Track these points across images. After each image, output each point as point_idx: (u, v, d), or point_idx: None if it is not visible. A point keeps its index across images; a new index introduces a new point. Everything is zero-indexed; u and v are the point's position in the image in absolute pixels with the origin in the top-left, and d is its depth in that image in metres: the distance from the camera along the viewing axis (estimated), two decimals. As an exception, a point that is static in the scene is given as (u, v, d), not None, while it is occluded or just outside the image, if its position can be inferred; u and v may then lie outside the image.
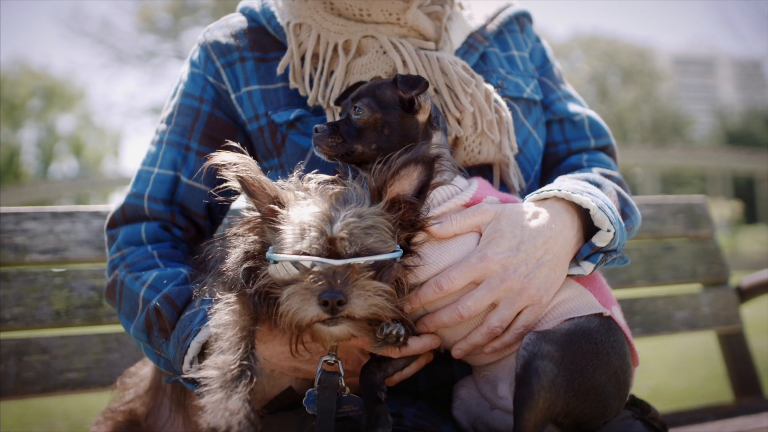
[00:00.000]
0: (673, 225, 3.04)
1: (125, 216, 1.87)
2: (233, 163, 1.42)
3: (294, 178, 1.47)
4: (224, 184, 1.45)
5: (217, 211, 1.92)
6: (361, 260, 1.33)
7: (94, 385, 2.16)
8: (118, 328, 2.22)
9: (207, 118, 1.86)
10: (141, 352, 2.15)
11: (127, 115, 39.90)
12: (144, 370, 1.90)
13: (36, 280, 2.18)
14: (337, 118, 1.72)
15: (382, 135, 1.58)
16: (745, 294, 3.07)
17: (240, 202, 2.02)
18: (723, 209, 28.89)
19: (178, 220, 1.86)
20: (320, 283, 1.30)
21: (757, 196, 33.82)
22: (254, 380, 1.34)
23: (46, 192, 29.12)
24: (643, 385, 5.71)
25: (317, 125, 1.60)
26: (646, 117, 49.32)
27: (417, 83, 1.57)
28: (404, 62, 1.74)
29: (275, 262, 1.36)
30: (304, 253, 1.34)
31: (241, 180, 1.43)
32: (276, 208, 1.41)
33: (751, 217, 35.26)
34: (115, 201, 1.93)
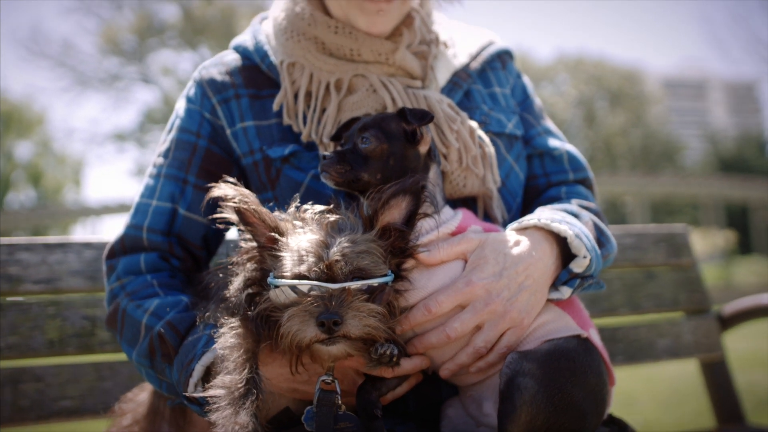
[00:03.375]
0: (654, 254, 3.26)
1: (124, 247, 2.06)
2: (233, 196, 1.63)
3: (291, 209, 1.68)
4: (222, 215, 1.66)
5: (213, 242, 2.12)
6: (355, 284, 1.53)
7: (88, 413, 2.33)
8: (111, 357, 2.40)
9: (204, 152, 2.06)
10: (133, 380, 2.34)
11: (89, 141, 39.84)
12: (141, 396, 2.08)
13: (30, 309, 2.35)
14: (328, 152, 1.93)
15: (387, 164, 1.78)
16: (727, 322, 3.28)
17: (233, 233, 2.23)
18: (716, 239, 29.26)
19: (176, 250, 2.06)
20: (317, 305, 1.51)
21: (751, 225, 34.14)
22: (260, 397, 1.54)
23: (4, 223, 28.91)
24: (633, 420, 5.89)
25: (324, 153, 1.80)
26: (636, 142, 49.89)
27: (424, 116, 1.79)
28: (393, 100, 1.96)
29: (276, 287, 1.56)
30: (303, 277, 1.54)
31: (241, 212, 1.64)
32: (276, 236, 1.62)
33: (745, 246, 35.65)
34: (114, 232, 2.11)
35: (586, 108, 49.36)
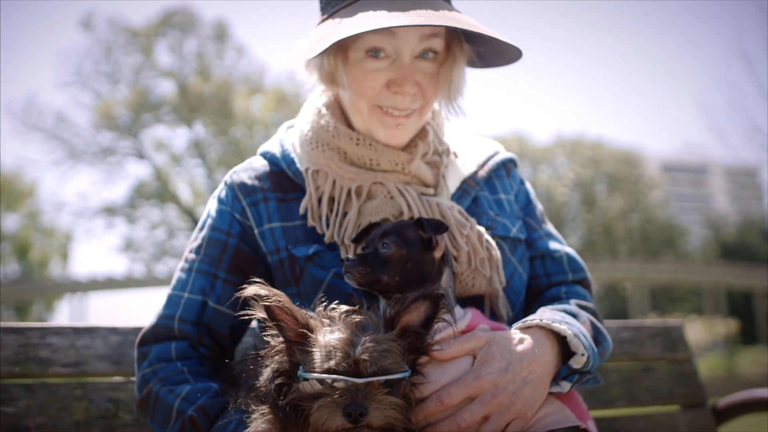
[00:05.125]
0: (651, 348, 3.45)
1: (156, 335, 2.29)
2: (266, 295, 1.86)
3: (320, 308, 1.91)
4: (250, 311, 1.89)
5: (239, 332, 2.35)
6: (378, 379, 1.76)
7: (109, 493, 2.51)
8: (133, 440, 2.59)
9: (234, 250, 2.31)
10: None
11: (78, 215, 39.76)
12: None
13: (58, 391, 2.54)
14: (350, 254, 2.18)
15: (405, 268, 2.02)
16: (722, 415, 3.46)
17: (254, 323, 2.46)
18: (718, 327, 29.22)
19: (205, 339, 2.28)
20: (345, 397, 1.73)
21: (755, 313, 33.90)
22: (287, 478, 1.74)
23: (-11, 297, 28.80)
24: None
25: (347, 256, 2.05)
26: (635, 227, 49.92)
27: (440, 227, 2.04)
28: (409, 206, 2.22)
29: (305, 379, 1.79)
30: (333, 372, 1.76)
31: (272, 310, 1.87)
32: (306, 332, 1.85)
33: (748, 335, 35.23)
34: (148, 321, 2.34)
35: (585, 191, 49.37)
